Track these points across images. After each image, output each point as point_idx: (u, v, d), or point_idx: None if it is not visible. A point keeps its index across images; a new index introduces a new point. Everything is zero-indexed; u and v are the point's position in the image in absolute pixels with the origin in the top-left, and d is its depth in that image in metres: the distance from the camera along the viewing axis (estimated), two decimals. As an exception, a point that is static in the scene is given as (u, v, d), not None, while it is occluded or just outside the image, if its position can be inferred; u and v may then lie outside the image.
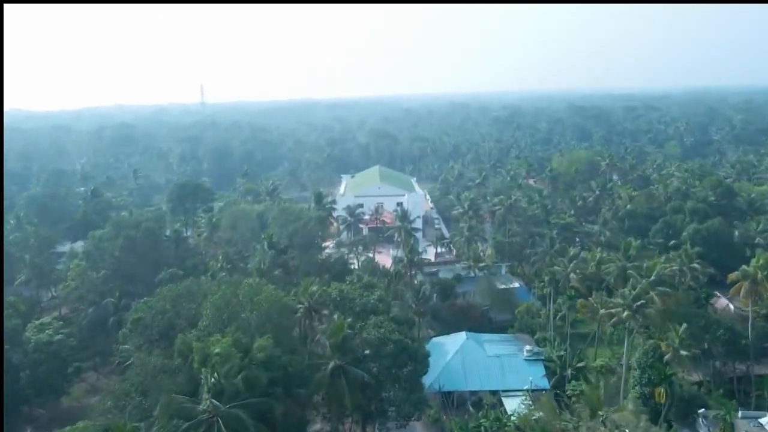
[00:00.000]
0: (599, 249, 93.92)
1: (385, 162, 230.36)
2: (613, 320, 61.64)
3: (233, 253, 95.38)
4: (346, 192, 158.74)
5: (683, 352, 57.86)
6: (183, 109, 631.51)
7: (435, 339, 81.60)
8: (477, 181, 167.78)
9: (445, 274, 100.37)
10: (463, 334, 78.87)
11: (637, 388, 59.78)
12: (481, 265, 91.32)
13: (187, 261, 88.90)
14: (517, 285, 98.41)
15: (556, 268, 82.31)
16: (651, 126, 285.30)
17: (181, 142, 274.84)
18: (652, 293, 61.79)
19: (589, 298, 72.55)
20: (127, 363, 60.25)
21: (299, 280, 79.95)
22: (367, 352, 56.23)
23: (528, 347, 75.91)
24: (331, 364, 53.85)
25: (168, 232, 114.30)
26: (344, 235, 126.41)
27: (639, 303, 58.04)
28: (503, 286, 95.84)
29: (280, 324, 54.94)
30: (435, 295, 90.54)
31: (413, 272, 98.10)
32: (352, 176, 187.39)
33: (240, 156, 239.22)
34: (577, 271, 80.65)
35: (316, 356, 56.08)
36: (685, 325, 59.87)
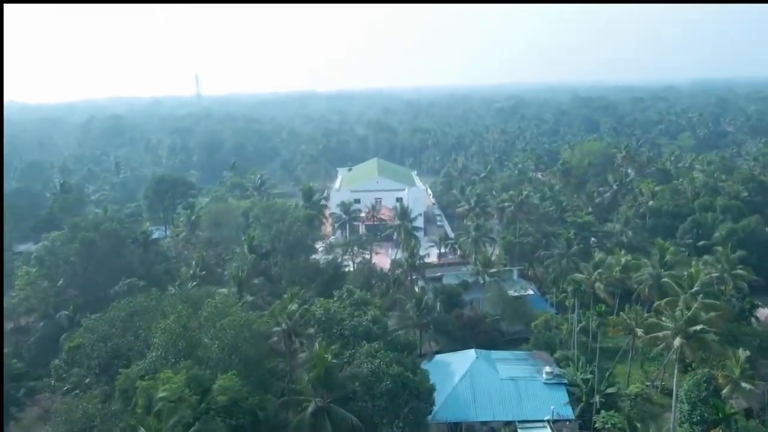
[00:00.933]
0: (623, 251, 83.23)
1: (384, 154, 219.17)
2: (660, 347, 50.72)
3: (210, 257, 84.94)
4: (342, 186, 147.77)
5: (745, 385, 47.11)
6: (179, 101, 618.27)
7: (439, 357, 70.93)
8: (482, 174, 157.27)
9: (449, 279, 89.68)
10: (472, 353, 68.17)
11: (686, 426, 49.32)
12: (492, 271, 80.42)
13: (156, 267, 78.07)
14: (531, 292, 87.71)
15: (578, 275, 71.54)
16: (662, 117, 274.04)
17: (170, 133, 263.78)
18: (707, 314, 50.61)
19: (621, 314, 61.74)
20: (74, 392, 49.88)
21: (284, 289, 69.58)
22: (357, 384, 45.65)
23: (548, 368, 65.24)
24: (312, 405, 43.25)
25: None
26: (338, 234, 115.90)
27: (696, 328, 46.85)
28: (515, 293, 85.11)
29: (249, 355, 44.23)
30: (438, 303, 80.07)
31: (414, 277, 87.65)
32: (349, 169, 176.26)
33: (232, 148, 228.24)
34: (604, 279, 69.95)
35: (294, 392, 45.44)
36: (747, 352, 49.07)
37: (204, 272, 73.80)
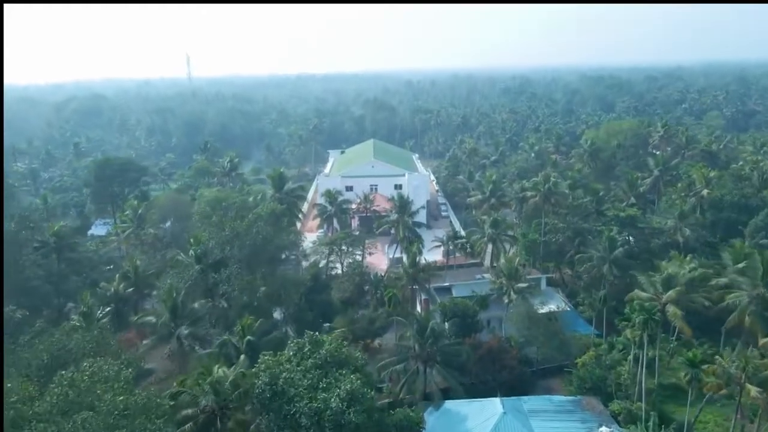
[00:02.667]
0: (689, 257, 63.96)
1: (382, 136, 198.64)
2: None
3: (155, 263, 65.51)
4: (332, 171, 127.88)
5: None
6: (171, 82, 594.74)
7: (451, 404, 51.80)
8: (493, 157, 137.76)
9: (460, 290, 70.44)
10: (497, 403, 49.06)
11: None
12: (521, 286, 60.89)
13: (73, 279, 58.54)
14: (567, 308, 68.47)
15: (642, 294, 52.12)
16: (683, 96, 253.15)
17: (151, 114, 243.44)
18: None
19: (717, 358, 42.41)
20: None
21: (236, 316, 50.43)
22: None
23: (605, 429, 46.29)
24: None
25: (92, 232, 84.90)
26: (326, 229, 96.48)
27: None
28: (547, 309, 65.76)
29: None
30: (447, 325, 61.00)
31: (414, 287, 68.51)
32: (342, 152, 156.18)
33: (215, 129, 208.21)
34: (678, 299, 50.61)
35: None
36: None
37: (132, 289, 54.29)
